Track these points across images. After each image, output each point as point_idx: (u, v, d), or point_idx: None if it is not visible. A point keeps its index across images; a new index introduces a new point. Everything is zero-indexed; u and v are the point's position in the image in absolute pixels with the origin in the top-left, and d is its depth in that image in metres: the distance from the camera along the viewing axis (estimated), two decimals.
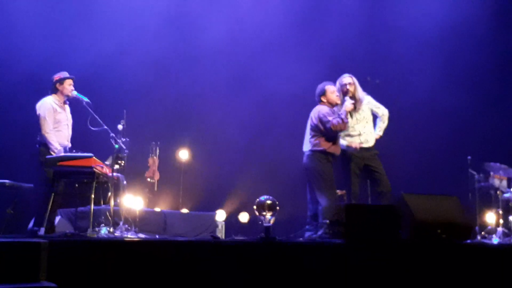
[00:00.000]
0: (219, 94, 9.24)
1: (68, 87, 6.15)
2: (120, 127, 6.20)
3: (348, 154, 6.38)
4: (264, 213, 5.08)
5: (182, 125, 9.16)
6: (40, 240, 4.04)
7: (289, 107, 8.95)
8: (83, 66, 7.99)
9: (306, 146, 6.36)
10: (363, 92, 6.47)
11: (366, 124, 6.43)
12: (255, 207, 5.17)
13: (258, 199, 5.18)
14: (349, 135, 6.41)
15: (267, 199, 5.16)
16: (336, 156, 6.31)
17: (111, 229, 5.70)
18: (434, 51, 9.25)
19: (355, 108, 6.35)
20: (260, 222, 5.09)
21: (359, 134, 6.39)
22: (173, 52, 9.17)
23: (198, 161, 9.11)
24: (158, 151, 8.78)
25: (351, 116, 6.39)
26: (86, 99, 6.13)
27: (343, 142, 6.42)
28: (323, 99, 6.36)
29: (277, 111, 9.25)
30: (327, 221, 5.41)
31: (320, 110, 6.28)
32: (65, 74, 6.22)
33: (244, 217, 8.86)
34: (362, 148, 6.37)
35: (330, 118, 6.14)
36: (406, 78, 9.11)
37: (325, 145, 6.21)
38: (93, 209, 5.67)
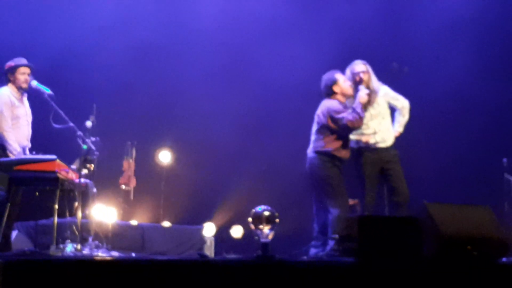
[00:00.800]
0: (207, 85, 9.24)
1: (21, 76, 6.13)
2: (88, 124, 6.18)
3: (361, 155, 6.38)
4: (261, 226, 5.08)
5: (163, 122, 9.15)
6: None
7: (291, 101, 8.96)
8: (47, 53, 7.99)
9: (310, 148, 6.36)
10: (378, 82, 6.46)
11: (382, 120, 6.43)
12: (250, 219, 5.16)
13: (253, 210, 5.18)
14: (361, 134, 6.40)
15: (264, 210, 5.15)
16: (345, 161, 6.32)
17: (79, 246, 5.70)
18: (463, 35, 9.25)
19: (369, 101, 6.35)
20: (257, 238, 5.09)
21: (374, 132, 6.38)
22: (153, 35, 9.16)
23: (182, 164, 9.10)
24: (134, 152, 8.77)
25: (367, 110, 6.38)
26: (48, 91, 6.12)
27: (352, 138, 6.40)
28: (335, 89, 6.35)
29: (277, 106, 9.25)
30: (337, 236, 5.41)
31: (329, 106, 6.28)
32: (19, 61, 6.19)
33: (237, 231, 8.85)
34: (378, 149, 6.37)
35: (344, 115, 6.14)
36: (429, 67, 9.12)
37: (332, 147, 6.21)
38: (57, 222, 5.66)
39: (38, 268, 4.16)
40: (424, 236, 5.16)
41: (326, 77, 6.45)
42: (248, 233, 8.45)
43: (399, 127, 6.58)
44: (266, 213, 5.14)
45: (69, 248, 5.65)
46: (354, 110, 6.16)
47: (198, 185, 8.98)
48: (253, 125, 9.29)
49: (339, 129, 6.18)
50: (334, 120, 6.19)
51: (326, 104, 6.32)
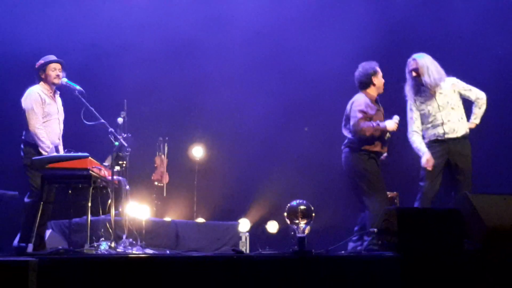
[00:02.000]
0: (238, 79, 9.27)
1: (52, 73, 6.21)
2: (120, 120, 6.26)
3: (426, 146, 6.39)
4: (297, 221, 5.09)
5: (195, 117, 9.21)
6: (28, 258, 4.10)
7: (326, 92, 8.93)
8: (78, 51, 8.12)
9: (344, 142, 6.40)
10: (440, 73, 6.42)
11: (451, 110, 6.38)
12: (286, 214, 5.18)
13: (289, 205, 5.19)
14: (431, 126, 6.40)
15: (300, 204, 5.16)
16: (381, 154, 6.33)
17: (113, 244, 5.77)
18: (507, 21, 9.08)
19: (432, 92, 6.35)
20: (293, 233, 5.10)
21: (443, 123, 6.36)
22: (184, 31, 9.22)
23: (215, 159, 9.15)
24: (166, 148, 8.85)
25: (432, 102, 6.37)
26: (78, 87, 6.19)
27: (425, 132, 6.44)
28: (374, 80, 6.39)
29: (312, 97, 9.23)
30: (375, 230, 5.40)
31: (358, 100, 6.33)
32: (48, 58, 6.28)
33: (272, 226, 8.88)
34: (446, 139, 6.34)
35: (362, 121, 6.16)
36: (470, 55, 8.98)
37: (367, 141, 6.23)
38: (90, 220, 5.74)
39: (72, 267, 4.24)
40: (467, 229, 5.13)
41: (366, 65, 6.46)
42: (284, 229, 8.48)
43: (475, 119, 6.52)
44: (302, 207, 5.15)
45: (103, 246, 5.73)
46: (376, 124, 6.18)
47: (232, 180, 9.02)
48: (287, 117, 9.29)
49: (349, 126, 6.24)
50: (349, 116, 6.23)
51: (356, 99, 6.35)
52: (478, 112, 6.48)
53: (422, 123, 6.47)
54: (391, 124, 6.29)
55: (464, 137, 6.38)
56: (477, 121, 6.51)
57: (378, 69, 6.44)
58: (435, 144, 6.36)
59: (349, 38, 8.93)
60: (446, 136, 6.34)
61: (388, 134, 6.38)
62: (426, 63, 6.40)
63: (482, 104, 6.47)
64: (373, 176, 6.22)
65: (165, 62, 9.15)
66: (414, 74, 6.39)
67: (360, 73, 6.45)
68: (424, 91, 6.39)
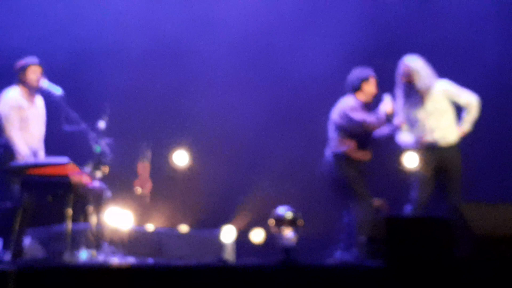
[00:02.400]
0: (224, 82, 9.24)
1: (32, 76, 6.15)
2: (101, 125, 6.21)
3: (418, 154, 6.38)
4: (283, 229, 5.07)
5: (179, 121, 9.17)
6: (6, 267, 4.05)
7: (314, 98, 8.91)
8: (58, 52, 8.04)
9: (327, 149, 6.41)
10: (431, 77, 6.41)
11: (440, 117, 6.37)
12: (272, 222, 5.16)
13: (275, 212, 5.17)
14: (420, 132, 6.39)
15: (287, 211, 5.14)
16: (364, 162, 6.34)
17: (94, 252, 5.73)
18: (502, 20, 9.12)
19: (422, 99, 6.34)
20: (279, 241, 5.08)
21: (432, 130, 6.35)
22: (169, 33, 9.18)
23: (200, 165, 9.11)
24: (149, 154, 8.80)
25: (421, 107, 6.36)
26: (59, 91, 6.14)
27: (406, 138, 6.41)
28: (364, 86, 6.37)
29: (299, 103, 9.21)
30: (364, 238, 5.40)
31: (345, 104, 6.36)
32: (29, 60, 6.22)
33: (258, 235, 8.84)
34: (437, 147, 6.33)
35: (363, 114, 6.16)
36: (464, 57, 9.00)
37: (347, 148, 6.25)
38: (71, 228, 5.69)
39: (52, 276, 4.20)
40: (456, 238, 5.14)
41: (360, 70, 6.49)
42: (270, 237, 8.44)
43: (464, 125, 6.48)
44: (289, 214, 5.14)
45: (84, 254, 5.69)
46: (377, 114, 6.20)
47: (217, 186, 8.98)
48: (274, 123, 9.27)
49: (351, 128, 6.20)
50: (348, 118, 6.21)
51: (343, 103, 6.37)
52: (467, 117, 6.46)
53: (410, 129, 6.47)
54: (387, 106, 6.27)
55: (455, 144, 6.39)
56: (466, 126, 6.48)
57: (372, 78, 6.43)
58: (425, 151, 6.36)
59: (339, 41, 8.92)
60: (437, 144, 6.34)
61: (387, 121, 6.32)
62: (417, 67, 6.40)
63: (472, 109, 6.45)
64: (354, 184, 6.23)
65: (148, 64, 9.10)
66: (404, 78, 6.39)
67: (352, 76, 6.47)
68: (413, 95, 6.37)
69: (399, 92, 6.48)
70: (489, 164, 8.64)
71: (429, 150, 6.34)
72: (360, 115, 6.17)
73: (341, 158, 6.24)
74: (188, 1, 9.28)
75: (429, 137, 6.36)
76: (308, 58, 9.07)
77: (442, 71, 6.87)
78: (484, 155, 8.61)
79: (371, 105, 6.57)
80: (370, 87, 6.40)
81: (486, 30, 9.00)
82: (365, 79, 6.39)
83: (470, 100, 6.48)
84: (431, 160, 6.33)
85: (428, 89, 6.36)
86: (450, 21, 9.01)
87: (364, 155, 6.32)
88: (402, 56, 6.57)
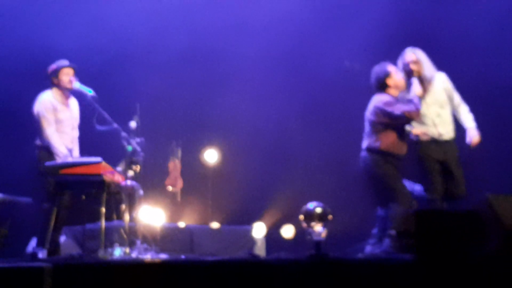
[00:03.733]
0: (252, 81, 9.25)
1: (65, 78, 6.25)
2: (133, 124, 6.27)
3: (423, 147, 6.32)
4: (313, 224, 5.07)
5: (209, 120, 9.20)
6: (42, 264, 4.12)
7: (343, 94, 8.89)
8: (90, 54, 8.14)
9: (363, 146, 6.38)
10: (432, 68, 6.39)
11: (440, 109, 6.33)
12: (301, 217, 5.16)
13: (305, 207, 5.18)
14: (421, 125, 6.35)
15: (316, 207, 5.15)
16: (400, 156, 6.29)
17: (127, 250, 5.79)
18: None
19: (424, 90, 6.30)
20: (309, 236, 5.08)
21: (434, 123, 6.30)
22: (198, 34, 9.23)
23: (230, 163, 9.14)
24: (180, 152, 8.85)
25: (423, 98, 6.32)
26: (90, 92, 6.22)
27: (413, 131, 6.38)
28: (389, 82, 6.31)
29: (328, 99, 9.19)
30: (393, 232, 5.38)
31: (377, 101, 6.27)
32: (61, 63, 6.31)
33: (288, 231, 8.84)
34: (441, 141, 6.29)
35: (400, 105, 6.13)
36: (482, 57, 8.91)
37: (384, 144, 6.20)
38: (105, 226, 5.76)
39: (87, 272, 4.25)
40: (487, 231, 5.09)
41: (378, 69, 6.40)
42: (300, 232, 8.44)
43: (472, 123, 6.40)
44: (318, 210, 5.13)
45: (118, 252, 5.74)
46: (411, 101, 6.14)
47: (247, 184, 9.00)
48: (302, 120, 9.26)
49: (392, 123, 6.15)
50: (386, 113, 6.15)
51: (374, 101, 6.30)
52: (469, 116, 6.39)
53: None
54: (417, 88, 6.23)
55: (454, 138, 6.36)
56: (474, 124, 6.41)
57: (392, 69, 6.32)
58: (430, 145, 6.30)
59: (363, 39, 8.89)
60: (442, 137, 6.29)
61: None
62: (423, 57, 6.37)
63: (464, 109, 6.39)
64: (391, 180, 6.18)
65: (178, 65, 9.14)
66: (413, 66, 6.32)
67: (373, 79, 6.41)
68: (409, 90, 6.30)
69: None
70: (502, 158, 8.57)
71: (436, 143, 6.29)
72: (399, 108, 6.11)
73: (378, 154, 6.20)
74: (217, 4, 9.32)
75: (434, 130, 6.30)
76: (333, 57, 9.03)
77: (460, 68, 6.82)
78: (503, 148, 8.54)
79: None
80: (394, 80, 6.31)
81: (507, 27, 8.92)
82: (386, 76, 6.32)
83: (461, 100, 6.43)
84: (439, 155, 6.27)
85: (431, 80, 6.31)
86: (472, 18, 8.93)
87: (400, 149, 6.28)
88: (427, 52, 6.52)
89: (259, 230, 8.35)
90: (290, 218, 8.69)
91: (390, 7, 9.02)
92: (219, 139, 9.11)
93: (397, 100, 6.27)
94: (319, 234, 5.05)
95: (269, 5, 9.20)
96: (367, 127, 6.35)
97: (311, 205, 5.18)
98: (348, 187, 8.26)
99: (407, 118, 6.13)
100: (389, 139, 6.20)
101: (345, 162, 8.12)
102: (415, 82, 6.28)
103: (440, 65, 6.61)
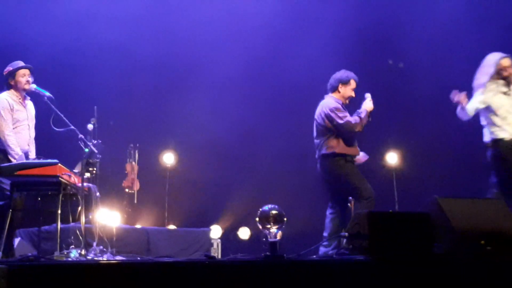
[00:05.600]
0: (211, 85, 9.26)
1: (22, 79, 6.15)
2: (90, 126, 6.21)
3: (502, 147, 6.39)
4: (268, 226, 5.09)
5: (166, 124, 9.18)
6: None
7: (295, 99, 8.98)
8: (45, 55, 8.02)
9: (318, 151, 6.44)
10: None
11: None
12: (257, 219, 5.17)
13: (261, 209, 5.19)
14: (504, 124, 6.42)
15: (271, 209, 5.16)
16: (355, 156, 6.37)
17: (83, 251, 5.71)
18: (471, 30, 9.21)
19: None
20: (264, 238, 5.09)
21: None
22: (155, 37, 9.20)
23: (187, 166, 9.13)
24: (137, 155, 8.80)
25: (505, 100, 6.40)
26: (47, 94, 6.13)
27: (498, 131, 6.43)
28: (340, 89, 6.43)
29: (281, 105, 9.28)
30: (346, 234, 5.42)
31: (328, 105, 6.38)
32: (17, 64, 6.21)
33: (244, 233, 8.87)
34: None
35: (345, 115, 6.20)
36: (436, 61, 9.10)
37: (338, 147, 6.28)
38: (60, 228, 5.68)
39: (42, 273, 4.18)
40: (436, 232, 5.17)
41: (342, 72, 6.53)
42: (255, 234, 8.47)
43: None
44: (274, 212, 5.15)
45: (73, 253, 5.67)
46: (358, 114, 6.24)
47: (203, 186, 9.00)
48: (257, 124, 9.31)
49: (335, 127, 6.25)
50: (330, 118, 6.24)
51: (324, 105, 6.41)
52: None
53: (490, 121, 6.46)
54: (368, 104, 6.34)
55: None
56: None
57: (352, 82, 6.46)
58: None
59: (319, 50, 8.99)
60: None
61: (369, 119, 6.37)
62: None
63: None
64: (355, 176, 6.26)
65: (136, 68, 9.11)
66: (510, 71, 6.42)
67: (333, 76, 6.50)
68: (500, 88, 6.41)
69: (488, 80, 6.47)
70: (465, 161, 8.74)
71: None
72: (341, 114, 6.21)
73: (335, 157, 6.27)
74: (179, 4, 9.29)
75: None
76: (293, 62, 9.12)
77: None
78: (460, 152, 8.71)
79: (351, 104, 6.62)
80: (346, 90, 6.42)
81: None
82: (343, 82, 6.42)
83: None
84: None
85: None
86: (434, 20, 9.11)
87: (354, 151, 6.36)
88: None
89: (215, 232, 8.35)
90: (246, 220, 8.72)
91: (356, 12, 9.13)
92: (176, 142, 9.10)
93: (345, 108, 6.39)
94: (275, 235, 5.06)
95: (226, 10, 9.23)
96: (317, 132, 6.42)
97: (266, 207, 5.19)
98: (303, 190, 8.33)
99: (345, 129, 6.24)
100: (340, 142, 6.30)
101: (301, 165, 8.19)
102: (368, 97, 6.35)
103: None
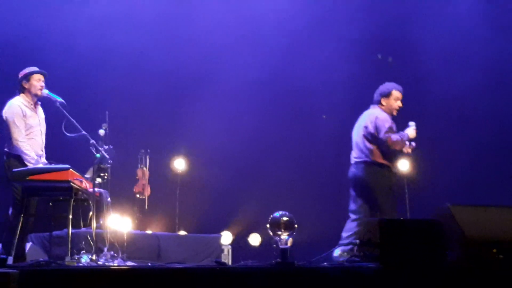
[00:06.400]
0: (222, 90, 9.27)
1: (37, 83, 6.20)
2: (101, 132, 6.24)
3: None
4: (279, 233, 5.10)
5: (177, 129, 9.21)
6: (8, 270, 4.07)
7: (308, 105, 8.98)
8: (57, 61, 8.08)
9: (357, 155, 6.54)
10: None
11: None
12: (268, 225, 5.18)
13: (272, 216, 5.20)
14: None
15: (282, 216, 5.17)
16: (394, 171, 6.46)
17: (94, 257, 5.74)
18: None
19: None
20: (275, 245, 5.10)
21: None
22: (168, 44, 9.23)
23: (198, 172, 9.15)
24: (148, 160, 8.83)
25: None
26: (59, 99, 6.17)
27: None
28: (383, 101, 6.56)
29: (295, 110, 9.28)
30: (357, 241, 5.43)
31: (378, 115, 6.51)
32: (32, 68, 6.27)
33: (255, 239, 8.88)
34: None
35: (387, 127, 6.34)
36: (452, 64, 9.08)
37: (381, 156, 6.41)
38: (71, 233, 5.71)
39: (53, 279, 4.21)
40: (448, 240, 5.16)
41: (385, 85, 6.66)
42: (266, 241, 8.48)
43: None
44: (284, 218, 5.15)
45: (84, 258, 5.69)
46: (401, 134, 6.36)
47: (214, 192, 9.01)
48: (269, 130, 9.32)
49: (378, 140, 6.37)
50: (378, 129, 6.38)
51: (375, 114, 6.53)
52: None
53: None
54: (411, 131, 6.41)
55: None
56: None
57: (394, 93, 6.58)
58: None
59: (340, 50, 9.00)
60: None
61: (412, 144, 6.43)
62: None
63: None
64: (383, 198, 6.32)
65: (148, 73, 9.15)
66: None
67: (378, 89, 6.58)
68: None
69: None
70: (478, 169, 8.72)
71: None
72: (386, 127, 6.32)
73: (373, 165, 6.37)
74: (189, 12, 9.34)
75: None
76: (307, 70, 9.14)
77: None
78: (473, 160, 8.69)
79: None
80: (388, 102, 6.56)
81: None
82: (385, 95, 6.56)
83: None
84: None
85: None
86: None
87: (393, 162, 6.47)
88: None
89: (226, 238, 8.36)
90: (257, 226, 8.73)
91: (371, 17, 9.14)
92: (187, 147, 9.12)
93: (393, 122, 6.47)
94: (285, 242, 5.07)
95: (239, 15, 9.26)
96: (363, 138, 6.52)
97: (277, 214, 5.21)
98: (315, 196, 8.33)
99: (386, 145, 6.32)
100: (383, 152, 6.38)
101: (312, 172, 8.19)
102: (411, 125, 6.47)
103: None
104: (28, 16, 8.67)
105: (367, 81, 8.09)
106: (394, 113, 6.58)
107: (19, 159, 5.98)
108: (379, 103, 6.58)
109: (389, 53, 8.42)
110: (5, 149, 6.07)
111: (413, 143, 6.54)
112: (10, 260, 5.55)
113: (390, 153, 6.44)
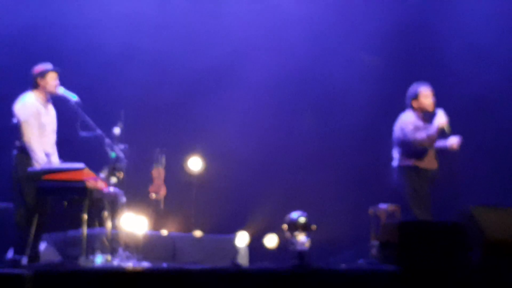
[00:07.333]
0: (240, 90, 9.27)
1: (52, 82, 6.19)
2: (117, 131, 6.26)
3: None
4: (296, 234, 5.10)
5: (193, 127, 9.21)
6: (22, 271, 4.11)
7: (326, 105, 8.96)
8: (71, 58, 8.12)
9: (394, 161, 6.60)
10: None
11: None
12: (285, 227, 5.19)
13: (288, 217, 5.20)
14: None
15: (300, 217, 5.17)
16: (430, 170, 6.44)
17: (109, 257, 5.77)
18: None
19: None
20: (292, 246, 5.10)
21: None
22: (184, 41, 9.24)
23: (214, 171, 9.14)
24: (164, 160, 8.84)
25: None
26: (74, 98, 6.19)
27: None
28: (414, 104, 6.59)
29: (313, 108, 9.25)
30: (376, 243, 5.42)
31: (402, 118, 6.56)
32: (48, 66, 6.25)
33: (271, 240, 8.85)
34: None
35: (411, 128, 6.37)
36: (479, 61, 9.01)
37: (412, 160, 6.44)
38: (86, 233, 5.74)
39: (68, 280, 4.24)
40: (469, 242, 5.13)
41: (411, 88, 6.67)
42: (283, 242, 8.46)
43: None
44: (302, 219, 5.16)
45: (99, 259, 5.72)
46: (428, 130, 6.29)
47: (230, 192, 9.00)
48: (287, 130, 9.30)
49: (406, 142, 6.40)
50: (403, 132, 6.40)
51: (403, 118, 6.56)
52: None
53: None
54: (440, 118, 6.38)
55: None
56: None
57: (421, 91, 6.57)
58: None
59: (366, 47, 8.97)
60: None
61: (448, 129, 6.41)
62: None
63: None
64: (415, 195, 6.35)
65: (163, 72, 9.16)
66: None
67: (407, 93, 6.63)
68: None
69: None
70: (500, 170, 8.64)
71: None
72: (409, 128, 6.33)
73: (408, 170, 6.41)
74: (203, 6, 9.35)
75: None
76: (324, 68, 9.11)
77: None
78: (495, 161, 8.61)
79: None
80: (419, 103, 6.56)
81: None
82: (413, 97, 6.58)
83: None
84: None
85: None
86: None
87: (428, 164, 6.46)
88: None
89: (242, 239, 8.35)
90: (273, 227, 8.71)
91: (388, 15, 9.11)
92: (203, 147, 9.11)
93: (424, 120, 6.50)
94: (303, 244, 5.08)
95: (259, 12, 9.26)
96: (395, 143, 6.60)
97: (294, 214, 5.21)
98: (332, 197, 8.30)
99: (416, 145, 6.35)
100: (415, 155, 6.46)
101: (330, 173, 8.17)
102: (439, 113, 6.44)
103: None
104: (52, 9, 8.71)
105: (390, 79, 8.09)
106: (430, 109, 6.56)
107: (28, 156, 5.96)
108: (410, 106, 6.61)
109: (415, 48, 8.35)
110: (16, 144, 6.05)
111: (456, 138, 6.49)
112: (24, 261, 5.60)
113: (421, 152, 6.43)
